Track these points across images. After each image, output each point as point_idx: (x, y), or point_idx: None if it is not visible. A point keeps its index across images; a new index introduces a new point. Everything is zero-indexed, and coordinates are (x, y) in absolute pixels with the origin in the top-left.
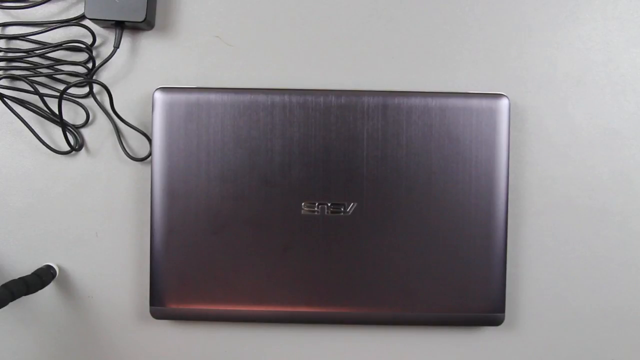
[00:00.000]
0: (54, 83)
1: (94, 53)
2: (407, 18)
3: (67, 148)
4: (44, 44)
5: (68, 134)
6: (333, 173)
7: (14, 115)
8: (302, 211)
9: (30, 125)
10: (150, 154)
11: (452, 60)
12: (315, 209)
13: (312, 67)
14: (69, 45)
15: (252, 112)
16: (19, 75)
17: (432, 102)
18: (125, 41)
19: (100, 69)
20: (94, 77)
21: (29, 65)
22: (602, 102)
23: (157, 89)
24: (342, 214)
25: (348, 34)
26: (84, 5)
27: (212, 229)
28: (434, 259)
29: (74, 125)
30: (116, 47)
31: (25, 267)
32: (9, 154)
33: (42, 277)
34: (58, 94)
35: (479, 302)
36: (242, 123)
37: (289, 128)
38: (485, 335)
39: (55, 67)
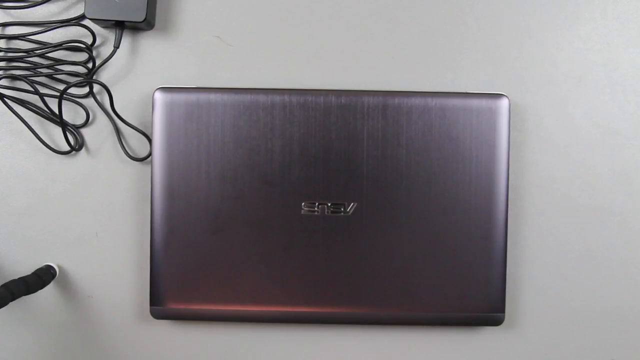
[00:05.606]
0: (54, 83)
1: (94, 53)
2: (407, 18)
3: (67, 148)
4: (44, 44)
5: (68, 134)
6: (333, 173)
7: (14, 115)
8: (302, 211)
9: (30, 125)
10: (150, 154)
11: (452, 60)
12: (315, 209)
13: (312, 67)
14: (69, 45)
15: (252, 112)
16: (19, 75)
17: (432, 102)
18: (125, 41)
19: (100, 69)
20: (94, 77)
21: (29, 65)
22: (602, 102)
23: (157, 89)
24: (342, 214)
25: (348, 34)
26: (84, 5)
27: (212, 229)
28: (434, 259)
29: (74, 125)
30: (116, 47)
31: (25, 267)
32: (9, 154)
33: (42, 277)
34: (58, 94)
35: (479, 302)
36: (242, 123)
37: (289, 128)
38: (485, 335)
39: (55, 67)
